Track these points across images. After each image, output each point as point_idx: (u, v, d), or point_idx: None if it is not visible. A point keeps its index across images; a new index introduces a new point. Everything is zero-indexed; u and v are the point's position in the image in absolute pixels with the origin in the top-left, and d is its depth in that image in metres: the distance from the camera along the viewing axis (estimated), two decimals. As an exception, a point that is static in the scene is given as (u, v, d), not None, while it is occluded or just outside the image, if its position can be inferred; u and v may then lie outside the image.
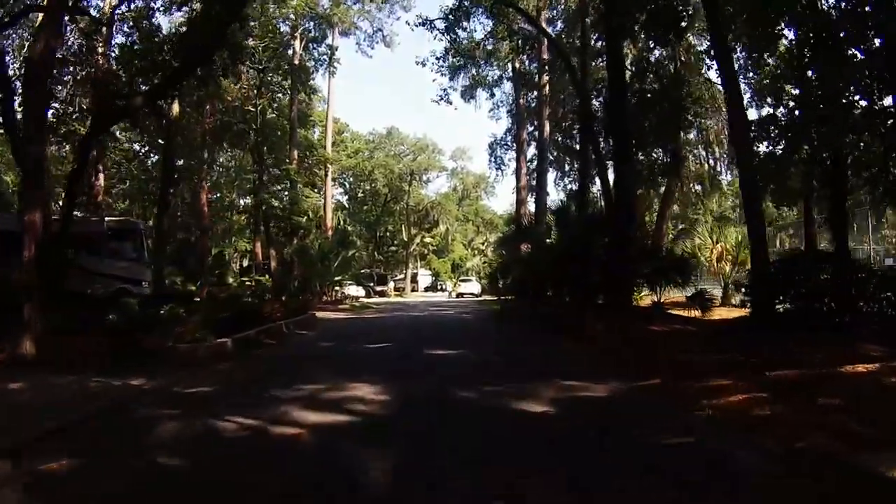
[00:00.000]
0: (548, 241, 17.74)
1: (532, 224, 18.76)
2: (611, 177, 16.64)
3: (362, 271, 53.32)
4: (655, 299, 15.98)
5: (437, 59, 21.62)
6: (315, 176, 36.57)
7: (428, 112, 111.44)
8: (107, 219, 20.77)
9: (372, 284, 48.57)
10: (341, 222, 34.25)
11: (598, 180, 17.13)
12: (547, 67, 20.90)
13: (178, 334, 11.85)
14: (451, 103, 25.80)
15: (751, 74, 15.47)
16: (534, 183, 25.79)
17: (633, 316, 12.87)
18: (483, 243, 56.85)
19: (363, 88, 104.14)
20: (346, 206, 62.72)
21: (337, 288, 40.27)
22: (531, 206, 24.58)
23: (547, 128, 20.47)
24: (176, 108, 20.11)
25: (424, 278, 77.48)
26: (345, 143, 55.87)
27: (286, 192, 31.42)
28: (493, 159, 33.18)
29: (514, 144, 22.04)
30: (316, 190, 38.48)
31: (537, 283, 17.81)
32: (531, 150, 29.84)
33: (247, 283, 30.82)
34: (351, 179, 61.06)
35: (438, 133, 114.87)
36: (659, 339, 10.21)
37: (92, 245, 17.61)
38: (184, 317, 13.44)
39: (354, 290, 45.73)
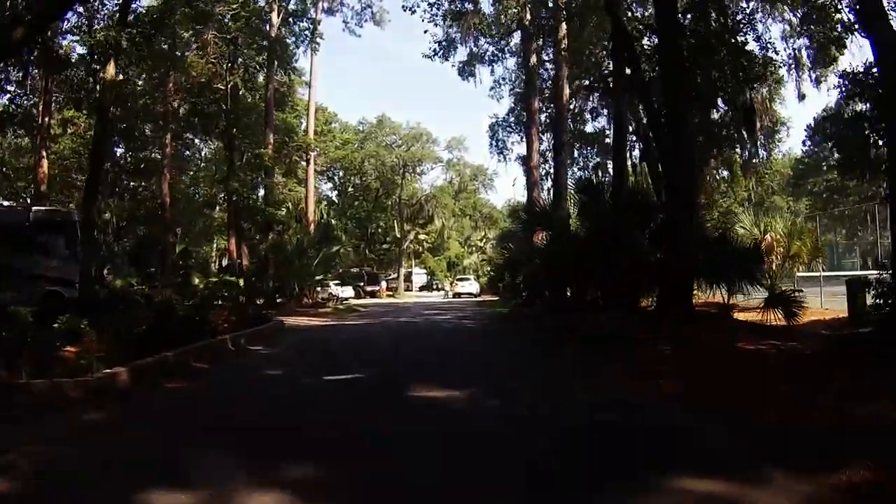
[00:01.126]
0: (571, 229, 14.08)
1: (548, 210, 15.10)
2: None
3: (352, 270, 49.74)
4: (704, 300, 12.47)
5: (431, 4, 17.91)
6: (296, 164, 32.85)
7: (422, 102, 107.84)
8: (33, 208, 17.27)
9: (362, 284, 44.93)
10: (324, 215, 30.56)
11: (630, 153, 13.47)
12: (565, 13, 17.15)
13: (58, 359, 8.34)
14: (447, 59, 21.87)
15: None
16: (539, 166, 22.07)
17: (706, 327, 9.24)
18: (481, 240, 53.23)
19: (353, 80, 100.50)
20: (336, 201, 59.10)
21: (319, 288, 36.67)
22: (542, 193, 20.85)
23: (566, 91, 16.83)
24: (111, 69, 16.38)
25: (419, 277, 73.80)
26: (333, 134, 52.22)
27: (260, 181, 27.69)
28: (494, 143, 29.62)
29: (525, 114, 18.30)
30: (297, 180, 34.84)
31: (556, 282, 14.19)
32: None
33: (214, 284, 27.28)
34: (341, 173, 57.44)
35: (433, 124, 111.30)
36: (776, 368, 6.58)
37: (12, 240, 14.24)
38: (86, 331, 9.89)
39: (342, 291, 42.18)
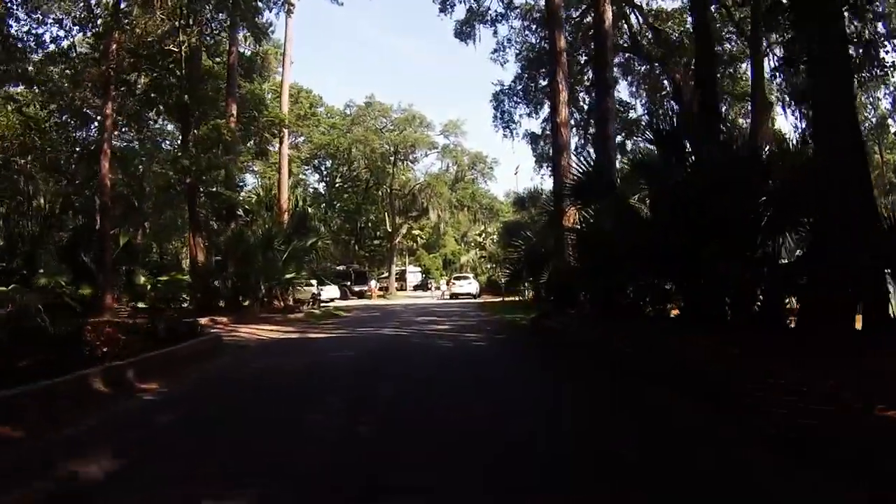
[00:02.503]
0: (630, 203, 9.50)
1: (601, 170, 10.37)
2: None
3: (338, 267, 45.12)
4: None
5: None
6: (267, 144, 28.18)
7: (418, 90, 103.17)
8: None
9: (349, 284, 40.32)
10: (300, 202, 25.91)
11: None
12: None
13: None
14: (444, 12, 17.40)
15: None
16: (567, 123, 17.06)
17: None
18: (480, 234, 48.64)
19: (342, 68, 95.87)
20: (323, 193, 54.43)
21: (301, 288, 31.96)
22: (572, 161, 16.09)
23: (609, 15, 12.11)
24: None
25: (413, 276, 69.10)
26: (317, 118, 47.54)
27: (221, 160, 22.98)
28: (499, 115, 25.16)
29: (549, 56, 13.64)
30: (270, 164, 30.18)
31: (604, 278, 9.65)
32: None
33: (163, 284, 22.64)
34: (328, 163, 52.78)
35: (429, 108, 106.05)
36: None
37: None
38: None
39: (324, 291, 37.53)
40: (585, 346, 8.55)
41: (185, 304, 22.78)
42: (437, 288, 48.47)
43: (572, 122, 28.98)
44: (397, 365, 8.23)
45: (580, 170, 10.32)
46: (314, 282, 38.97)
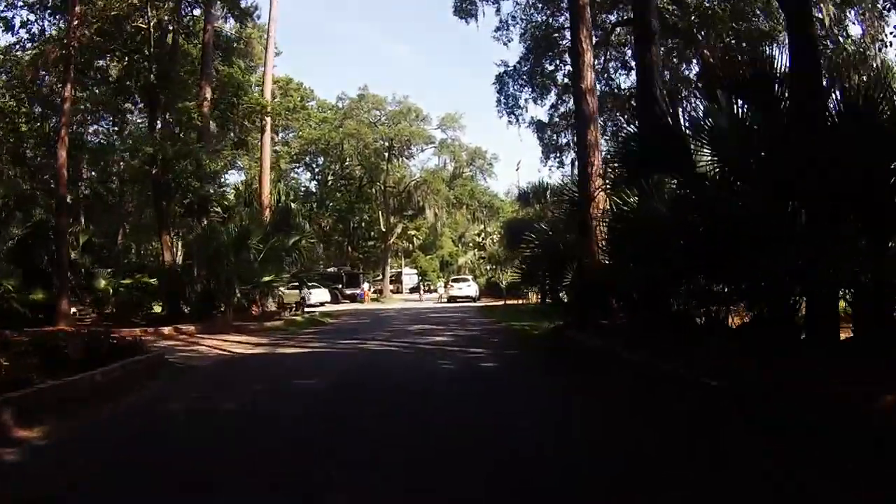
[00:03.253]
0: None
1: (632, 150, 7.99)
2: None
3: (328, 269, 42.66)
4: None
5: None
6: (248, 134, 25.76)
7: (412, 82, 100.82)
8: None
9: (340, 287, 37.86)
10: (283, 197, 23.48)
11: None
12: None
13: None
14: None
15: None
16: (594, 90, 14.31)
17: None
18: (479, 234, 46.22)
19: (335, 64, 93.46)
20: (315, 191, 51.93)
21: (287, 292, 29.47)
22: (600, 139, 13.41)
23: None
24: None
25: (409, 278, 66.59)
26: (307, 112, 45.12)
27: (189, 147, 20.52)
28: (502, 99, 22.79)
29: (570, 9, 11.17)
30: (251, 156, 27.72)
31: (658, 283, 7.24)
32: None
33: (127, 287, 20.26)
34: (320, 160, 50.34)
35: (424, 104, 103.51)
36: None
37: None
38: None
39: (312, 294, 35.06)
40: (654, 381, 6.01)
41: (157, 310, 20.43)
42: (433, 290, 45.99)
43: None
44: (375, 406, 5.79)
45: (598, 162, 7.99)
46: (292, 284, 36.72)
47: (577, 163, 10.75)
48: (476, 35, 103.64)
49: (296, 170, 53.36)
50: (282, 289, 36.00)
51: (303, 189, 52.40)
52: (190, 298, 18.88)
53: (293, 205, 23.22)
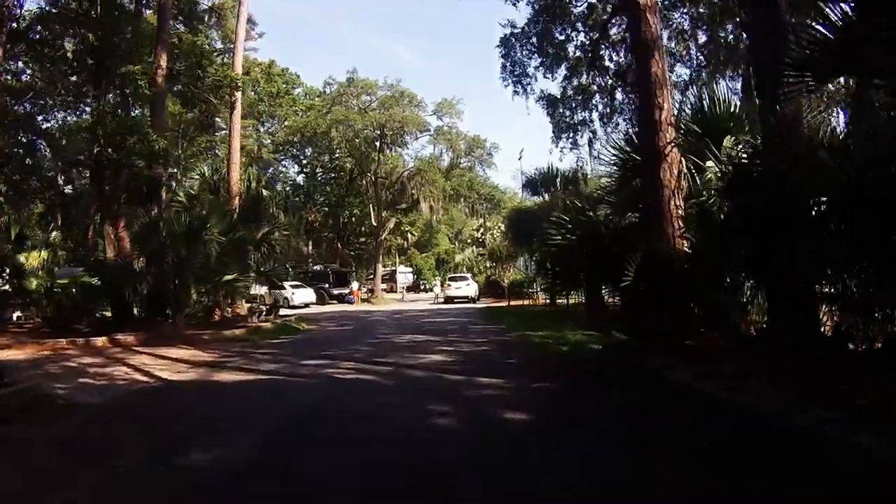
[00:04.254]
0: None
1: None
2: None
3: (315, 268, 39.37)
4: None
5: None
6: (214, 112, 22.43)
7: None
8: None
9: (327, 286, 34.55)
10: (253, 183, 20.15)
11: None
12: None
13: None
14: None
15: None
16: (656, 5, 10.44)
17: None
18: (478, 229, 42.94)
19: (327, 56, 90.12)
20: (302, 184, 48.61)
21: (270, 292, 26.12)
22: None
23: None
24: None
25: (404, 277, 63.14)
26: (292, 97, 41.82)
27: (135, 121, 17.17)
28: (509, 67, 19.59)
29: None
30: (217, 138, 24.40)
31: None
32: None
33: (63, 288, 16.90)
34: (308, 152, 46.97)
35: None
36: None
37: None
38: None
39: (296, 294, 31.75)
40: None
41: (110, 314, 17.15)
42: (429, 290, 42.65)
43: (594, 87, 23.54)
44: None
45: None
46: (287, 285, 33.39)
47: (639, 108, 7.44)
48: (475, 26, 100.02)
49: (283, 163, 50.09)
50: (262, 289, 32.72)
51: (290, 182, 49.28)
52: (133, 301, 15.60)
53: (265, 192, 19.85)
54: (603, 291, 8.55)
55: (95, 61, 18.01)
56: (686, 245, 6.48)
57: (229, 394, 7.27)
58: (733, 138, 6.57)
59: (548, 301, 26.11)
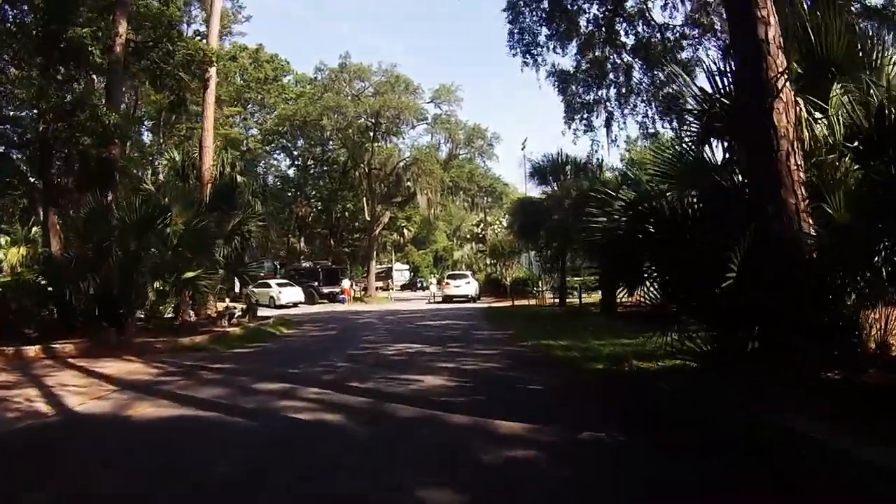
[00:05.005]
0: None
1: None
2: None
3: (304, 265, 37.04)
4: None
5: None
6: (184, 89, 20.02)
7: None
8: None
9: (316, 284, 32.23)
10: (227, 169, 17.79)
11: None
12: None
13: None
14: None
15: None
16: None
17: None
18: (478, 225, 40.62)
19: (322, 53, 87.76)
20: (292, 176, 46.21)
21: (252, 291, 23.77)
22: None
23: None
24: None
25: (400, 274, 60.78)
26: (280, 84, 39.44)
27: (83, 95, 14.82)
28: (516, 33, 17.43)
29: None
30: (190, 119, 21.97)
31: None
32: None
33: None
34: (300, 143, 44.58)
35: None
36: None
37: None
38: None
39: (282, 293, 29.44)
40: None
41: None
42: (426, 287, 40.27)
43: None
44: None
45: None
46: (274, 283, 31.06)
47: (732, 27, 5.10)
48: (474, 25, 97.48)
49: (274, 155, 47.68)
50: (252, 288, 30.34)
51: (280, 175, 46.86)
52: (79, 303, 13.26)
53: (240, 178, 17.50)
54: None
55: (41, 27, 15.64)
56: (811, 226, 4.21)
57: (128, 444, 4.97)
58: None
59: (557, 301, 23.85)
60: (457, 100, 35.94)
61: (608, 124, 19.09)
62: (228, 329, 14.36)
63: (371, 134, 35.75)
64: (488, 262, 39.21)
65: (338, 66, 36.09)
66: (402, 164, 35.28)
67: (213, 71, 19.79)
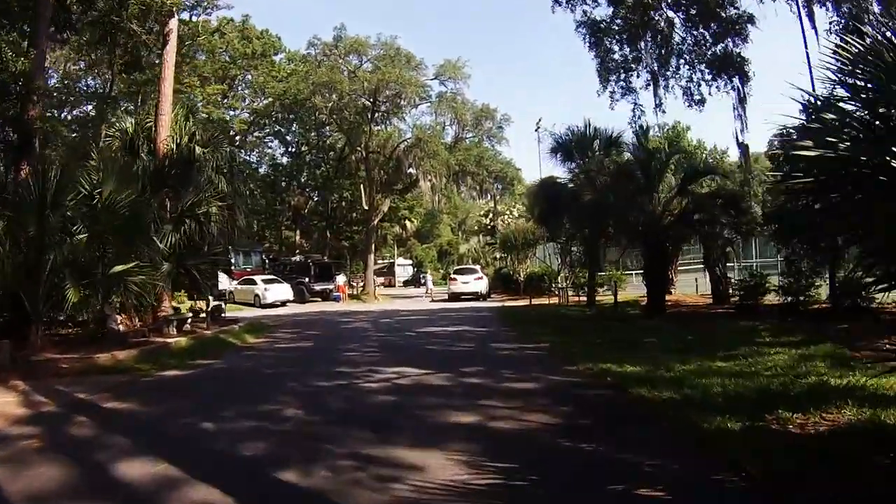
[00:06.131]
0: None
1: None
2: None
3: (294, 259, 33.67)
4: None
5: None
6: (141, 47, 16.62)
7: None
8: None
9: (307, 280, 28.92)
10: (183, 139, 14.40)
11: None
12: None
13: None
14: None
15: None
16: None
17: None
18: (486, 214, 37.12)
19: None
20: (284, 164, 42.83)
21: (237, 288, 20.43)
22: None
23: None
24: None
25: (403, 269, 57.50)
26: (270, 60, 36.04)
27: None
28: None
29: None
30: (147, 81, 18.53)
31: None
32: None
33: None
34: (295, 127, 41.21)
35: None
36: None
37: None
38: None
39: (268, 290, 26.16)
40: None
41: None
42: (423, 282, 36.78)
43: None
44: None
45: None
46: (259, 280, 27.76)
47: None
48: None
49: (270, 143, 44.31)
50: (236, 285, 26.92)
51: (273, 163, 43.53)
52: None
53: (200, 150, 14.10)
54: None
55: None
56: None
57: None
58: None
59: (583, 300, 20.43)
60: (464, 77, 32.40)
61: (654, 83, 15.62)
62: (172, 340, 10.99)
63: (369, 115, 32.31)
64: (498, 256, 35.75)
65: (332, 39, 32.59)
66: (402, 145, 31.77)
67: (173, 24, 16.40)
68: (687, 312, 14.59)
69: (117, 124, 16.23)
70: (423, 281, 36.43)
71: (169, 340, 10.81)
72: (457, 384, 6.67)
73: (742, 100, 15.12)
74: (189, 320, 12.43)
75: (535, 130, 39.72)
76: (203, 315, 14.54)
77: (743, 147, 14.91)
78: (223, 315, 15.43)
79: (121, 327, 10.80)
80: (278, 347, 11.13)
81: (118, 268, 10.41)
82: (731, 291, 15.95)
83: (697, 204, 13.60)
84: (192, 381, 7.71)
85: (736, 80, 15.48)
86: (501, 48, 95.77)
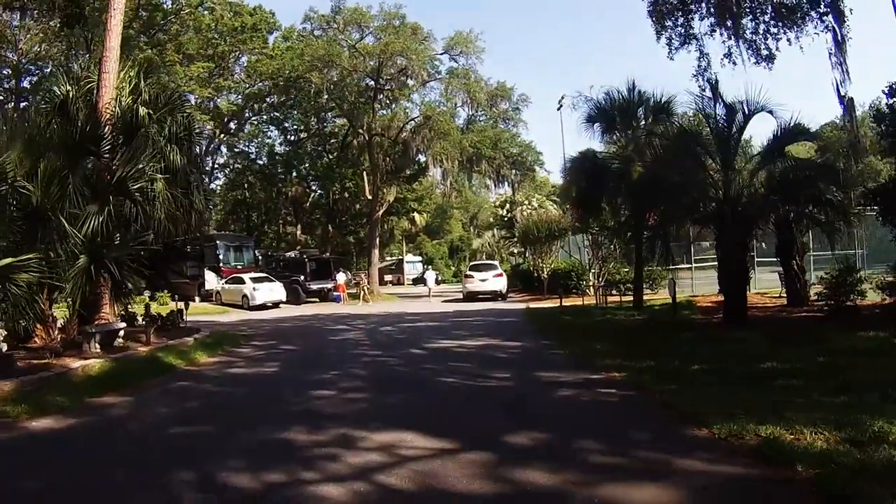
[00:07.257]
0: None
1: None
2: None
3: (288, 255, 30.50)
4: None
5: None
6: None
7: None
8: None
9: (303, 279, 25.77)
10: (126, 99, 11.33)
11: None
12: None
13: None
14: None
15: None
16: None
17: None
18: (502, 205, 33.74)
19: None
20: (281, 152, 39.75)
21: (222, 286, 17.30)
22: None
23: None
24: None
25: (413, 267, 54.16)
26: (263, 38, 33.00)
27: None
28: None
29: None
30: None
31: None
32: None
33: None
34: (294, 114, 38.14)
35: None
36: None
37: None
38: None
39: (264, 291, 23.08)
40: None
41: None
42: (423, 282, 33.30)
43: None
44: None
45: None
46: (247, 277, 24.66)
47: None
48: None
49: (269, 131, 41.30)
50: (224, 284, 23.81)
51: (267, 152, 40.50)
52: None
53: (144, 110, 10.93)
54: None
55: None
56: None
57: None
58: None
59: (622, 300, 17.05)
60: (477, 51, 28.97)
61: (723, 17, 12.17)
62: (86, 362, 7.82)
63: (372, 94, 29.10)
64: (515, 251, 32.40)
65: (330, 11, 29.33)
66: (409, 126, 28.46)
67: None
68: (764, 317, 11.29)
69: (55, 89, 13.16)
70: (423, 278, 32.86)
71: (80, 364, 7.65)
72: (507, 490, 3.38)
73: (840, 43, 11.72)
74: (121, 332, 9.26)
75: (558, 109, 35.99)
76: (167, 322, 11.46)
77: (847, 102, 11.51)
78: (183, 323, 12.28)
79: (33, 343, 7.65)
80: (227, 375, 7.92)
81: (4, 261, 7.31)
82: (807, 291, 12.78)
83: (798, 174, 10.22)
84: (60, 441, 4.55)
85: (829, 19, 12.06)
86: (514, 31, 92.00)
